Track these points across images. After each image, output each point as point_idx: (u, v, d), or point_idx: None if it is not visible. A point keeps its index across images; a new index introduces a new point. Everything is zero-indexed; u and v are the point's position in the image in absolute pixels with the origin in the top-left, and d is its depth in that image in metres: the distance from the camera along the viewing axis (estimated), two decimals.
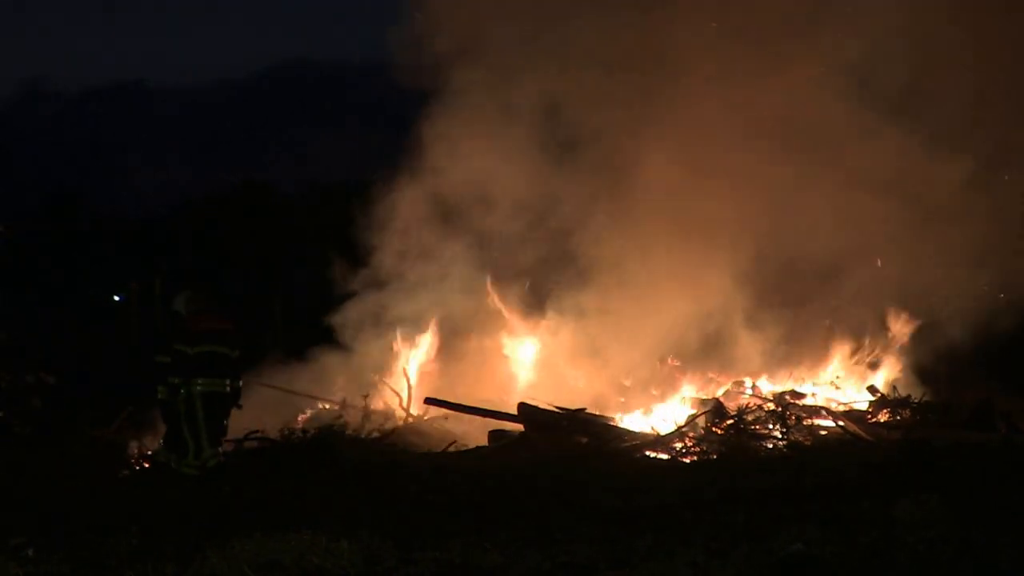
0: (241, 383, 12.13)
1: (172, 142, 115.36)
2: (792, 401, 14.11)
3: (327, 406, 15.67)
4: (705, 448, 12.95)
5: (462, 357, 16.41)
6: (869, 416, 14.49)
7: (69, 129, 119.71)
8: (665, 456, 13.00)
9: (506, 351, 16.50)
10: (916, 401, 14.80)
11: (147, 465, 12.78)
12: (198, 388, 11.75)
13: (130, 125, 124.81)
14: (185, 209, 42.08)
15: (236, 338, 12.11)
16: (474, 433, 14.70)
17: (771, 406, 13.76)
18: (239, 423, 14.85)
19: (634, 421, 14.52)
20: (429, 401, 15.42)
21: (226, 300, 12.28)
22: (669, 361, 15.84)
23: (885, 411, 14.62)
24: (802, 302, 15.92)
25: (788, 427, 13.27)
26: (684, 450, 13.02)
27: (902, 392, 15.10)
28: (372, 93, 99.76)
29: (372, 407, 15.23)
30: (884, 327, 16.06)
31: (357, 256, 16.95)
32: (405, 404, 15.85)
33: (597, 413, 14.49)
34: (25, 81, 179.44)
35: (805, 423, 13.66)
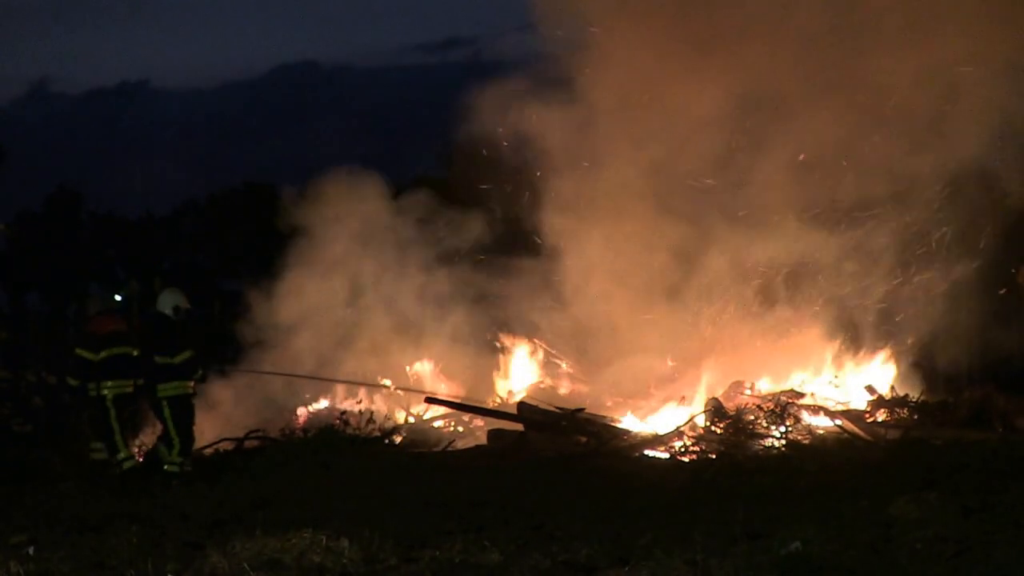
0: (142, 382, 12.31)
1: (176, 143, 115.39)
2: (790, 400, 14.12)
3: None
4: (704, 447, 12.97)
5: None
6: (867, 415, 14.50)
7: (73, 129, 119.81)
8: (664, 455, 13.03)
9: None
10: (914, 400, 14.83)
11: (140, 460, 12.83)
12: (111, 391, 11.92)
13: (134, 125, 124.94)
14: (188, 209, 42.15)
15: (134, 337, 12.28)
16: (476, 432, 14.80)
17: (770, 405, 13.77)
18: (241, 422, 14.95)
19: (633, 421, 14.54)
20: (429, 400, 15.48)
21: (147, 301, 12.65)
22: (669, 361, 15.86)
23: (883, 410, 14.65)
24: (802, 300, 15.93)
25: (787, 426, 13.30)
26: (683, 449, 13.04)
27: (900, 391, 15.12)
28: (377, 97, 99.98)
29: (372, 406, 15.27)
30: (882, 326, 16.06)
31: None
32: (405, 403, 15.89)
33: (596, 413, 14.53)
34: (32, 81, 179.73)
35: (803, 422, 13.68)
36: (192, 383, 12.24)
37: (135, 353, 12.25)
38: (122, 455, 12.05)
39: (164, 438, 12.19)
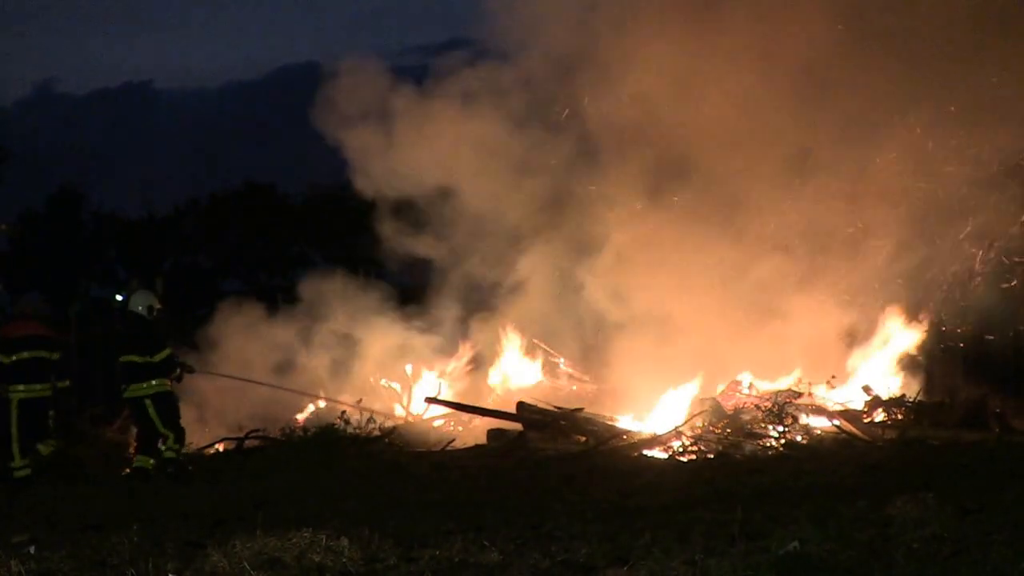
0: (68, 383, 12.34)
1: (179, 143, 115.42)
2: (789, 400, 14.15)
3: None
4: (702, 447, 13.01)
5: None
6: (865, 415, 14.54)
7: (78, 129, 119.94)
8: (663, 455, 13.06)
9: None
10: (911, 401, 14.86)
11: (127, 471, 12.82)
12: (18, 395, 11.96)
13: (137, 126, 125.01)
14: (189, 209, 42.20)
15: (54, 342, 12.31)
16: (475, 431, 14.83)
17: (768, 405, 13.80)
18: (242, 422, 14.91)
19: (631, 420, 14.57)
20: (429, 400, 15.52)
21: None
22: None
23: (880, 410, 14.68)
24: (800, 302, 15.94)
25: (785, 426, 13.33)
26: (681, 449, 13.07)
27: (897, 391, 15.16)
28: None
29: (372, 406, 15.30)
30: (880, 327, 16.09)
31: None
32: (405, 403, 15.93)
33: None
34: (37, 82, 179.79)
35: (801, 422, 13.71)
36: (169, 381, 12.32)
37: (54, 357, 12.30)
38: (16, 464, 12.06)
39: (144, 445, 12.23)
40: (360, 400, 15.19)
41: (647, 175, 15.83)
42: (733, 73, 15.36)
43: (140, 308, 12.41)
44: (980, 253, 15.56)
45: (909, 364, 15.83)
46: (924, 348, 15.87)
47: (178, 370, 12.48)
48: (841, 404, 14.71)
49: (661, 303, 15.63)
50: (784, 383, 15.13)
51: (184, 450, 12.44)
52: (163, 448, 12.11)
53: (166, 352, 12.27)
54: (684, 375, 15.32)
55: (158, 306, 12.54)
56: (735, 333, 15.82)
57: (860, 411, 14.67)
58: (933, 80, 14.78)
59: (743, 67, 15.30)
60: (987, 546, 6.78)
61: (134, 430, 12.77)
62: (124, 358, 12.21)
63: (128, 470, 12.67)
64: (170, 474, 11.80)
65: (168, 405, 12.26)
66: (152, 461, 12.10)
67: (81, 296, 35.65)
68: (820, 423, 13.97)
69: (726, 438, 13.10)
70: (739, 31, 15.38)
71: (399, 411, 16.23)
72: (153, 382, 12.14)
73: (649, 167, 15.82)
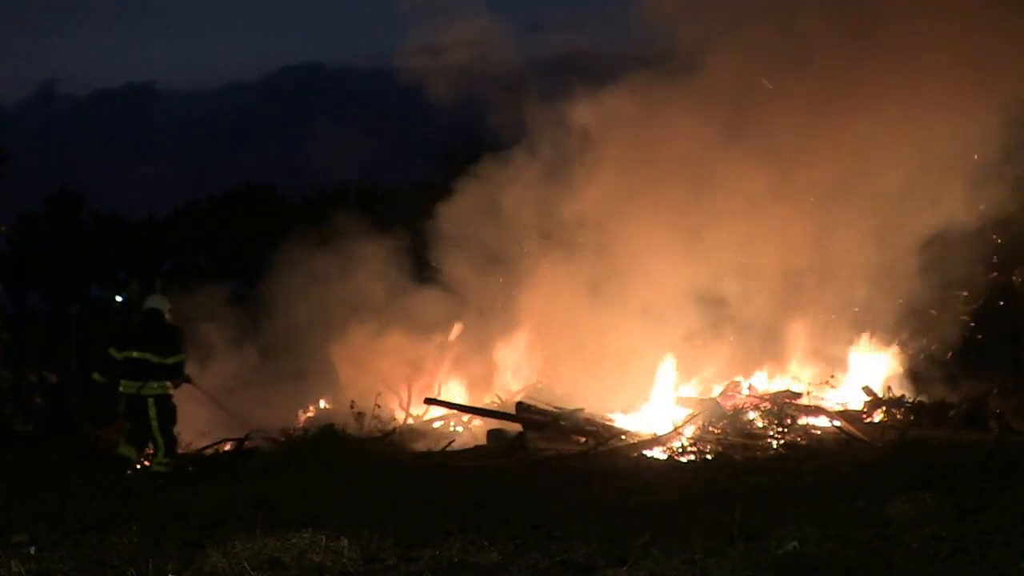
0: None
1: (180, 144, 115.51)
2: (788, 401, 14.16)
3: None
4: (702, 447, 13.02)
5: None
6: (864, 416, 14.55)
7: (78, 130, 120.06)
8: (662, 455, 13.07)
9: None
10: (910, 401, 14.87)
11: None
12: None
13: (138, 126, 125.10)
14: (188, 210, 42.18)
15: None
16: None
17: (767, 406, 13.81)
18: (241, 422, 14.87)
19: (631, 421, 14.57)
20: (429, 401, 15.51)
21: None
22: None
23: (880, 411, 14.69)
24: (798, 303, 15.95)
25: (784, 427, 13.34)
26: (681, 449, 13.08)
27: (896, 392, 15.17)
28: (381, 98, 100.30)
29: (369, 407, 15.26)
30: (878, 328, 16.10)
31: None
32: (405, 404, 15.91)
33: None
34: (38, 82, 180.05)
35: (801, 423, 13.72)
36: (170, 384, 12.35)
37: None
38: None
39: (132, 437, 12.24)
40: (353, 404, 15.17)
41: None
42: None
43: (165, 310, 12.50)
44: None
45: (909, 365, 15.86)
46: (924, 349, 15.90)
47: (184, 376, 12.53)
48: (841, 404, 14.73)
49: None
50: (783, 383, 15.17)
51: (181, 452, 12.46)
52: (154, 462, 12.12)
53: (179, 357, 12.35)
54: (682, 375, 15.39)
55: (174, 310, 12.70)
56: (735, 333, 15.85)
57: (859, 411, 14.69)
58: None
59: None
60: (986, 546, 6.79)
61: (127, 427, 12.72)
62: (139, 354, 12.21)
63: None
64: (160, 485, 11.76)
65: (168, 408, 12.31)
66: (136, 452, 12.17)
67: (81, 296, 35.62)
68: (820, 423, 13.98)
69: (725, 438, 13.11)
70: None
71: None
72: (160, 383, 12.18)
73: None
